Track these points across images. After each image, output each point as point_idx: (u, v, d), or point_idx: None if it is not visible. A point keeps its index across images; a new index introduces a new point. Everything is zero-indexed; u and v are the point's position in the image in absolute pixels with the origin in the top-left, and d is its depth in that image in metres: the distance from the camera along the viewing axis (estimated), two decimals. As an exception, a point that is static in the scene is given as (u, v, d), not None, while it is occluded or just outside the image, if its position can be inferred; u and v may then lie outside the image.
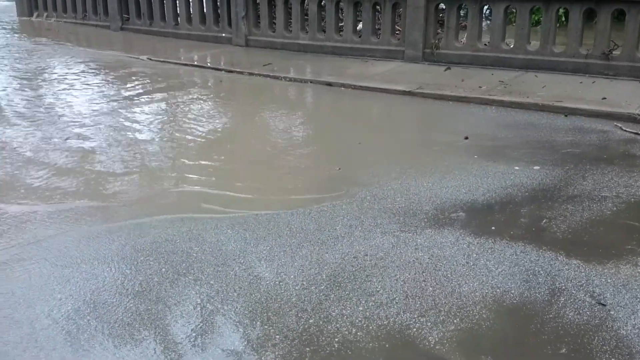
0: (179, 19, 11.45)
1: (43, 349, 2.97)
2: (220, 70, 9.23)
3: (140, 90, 8.08)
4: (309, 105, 8.01)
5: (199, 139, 6.16)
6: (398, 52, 9.26)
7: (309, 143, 6.23)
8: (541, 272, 3.60)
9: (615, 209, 4.44)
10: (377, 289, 3.44)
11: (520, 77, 8.17)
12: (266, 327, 3.13)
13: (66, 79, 8.63)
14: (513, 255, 3.79)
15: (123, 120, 6.80)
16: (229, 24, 10.77)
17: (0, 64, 9.63)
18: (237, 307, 3.29)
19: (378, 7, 9.47)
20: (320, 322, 3.15)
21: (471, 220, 4.31)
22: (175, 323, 3.16)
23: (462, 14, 9.42)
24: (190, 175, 5.21)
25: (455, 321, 3.15)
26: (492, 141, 5.96)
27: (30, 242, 3.97)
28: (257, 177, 5.18)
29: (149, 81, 8.54)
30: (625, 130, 6.19)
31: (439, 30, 9.20)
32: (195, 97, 7.94)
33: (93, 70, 9.14)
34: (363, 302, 3.32)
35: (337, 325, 3.13)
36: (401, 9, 9.40)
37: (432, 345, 2.98)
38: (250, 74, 8.91)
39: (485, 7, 9.05)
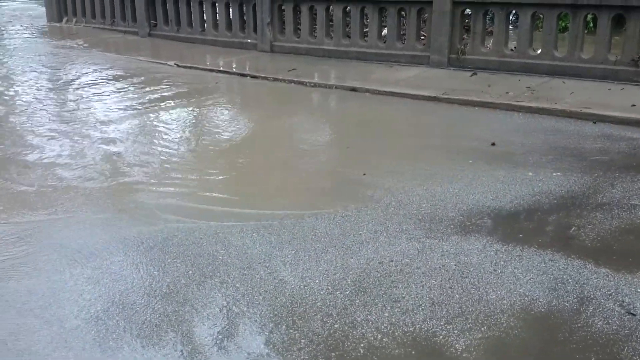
0: (205, 25, 11.58)
1: (72, 348, 3.02)
2: (246, 75, 9.31)
3: (167, 95, 8.19)
4: (333, 110, 8.03)
5: (223, 143, 6.21)
6: (423, 58, 9.23)
7: (334, 148, 6.25)
8: (570, 280, 3.55)
9: (645, 217, 4.37)
10: (403, 295, 3.42)
11: (547, 83, 8.08)
12: (291, 331, 3.14)
13: (93, 83, 8.78)
14: (541, 263, 3.75)
15: (149, 125, 6.89)
16: (255, 30, 10.86)
17: (27, 67, 9.83)
18: (262, 311, 3.31)
19: (403, 12, 9.46)
20: (346, 327, 3.15)
21: (498, 228, 4.27)
22: (202, 325, 3.19)
23: (488, 19, 9.36)
24: (214, 178, 5.26)
25: (482, 329, 3.13)
26: (519, 147, 5.91)
27: (62, 243, 4.04)
28: (281, 181, 5.20)
29: (175, 86, 8.65)
30: (656, 138, 6.08)
31: (464, 36, 9.15)
32: (220, 102, 8.01)
33: (120, 75, 9.29)
34: (389, 308, 3.31)
35: (363, 330, 3.13)
36: (426, 15, 9.38)
37: (459, 353, 2.95)
38: (275, 79, 8.96)
39: (512, 12, 8.98)
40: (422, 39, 9.59)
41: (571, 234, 4.14)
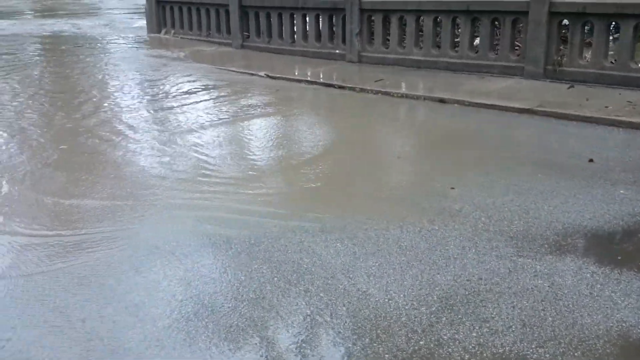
0: (295, 36, 11.80)
1: (164, 347, 3.14)
2: (333, 86, 9.39)
3: (256, 104, 8.40)
4: (420, 121, 7.94)
5: (308, 152, 6.28)
6: (517, 69, 8.95)
7: (421, 159, 6.16)
8: (676, 309, 3.31)
9: None
10: (492, 315, 3.31)
11: (651, 97, 7.60)
12: (375, 344, 3.11)
13: (186, 92, 9.14)
14: (643, 289, 3.51)
15: (238, 133, 7.09)
16: (343, 41, 10.94)
17: (126, 76, 10.39)
18: (346, 322, 3.30)
19: (497, 22, 9.22)
20: (431, 345, 3.08)
21: (595, 249, 4.05)
22: (286, 332, 3.23)
23: (586, 30, 8.95)
24: (299, 187, 5.32)
25: (576, 354, 2.97)
26: (620, 165, 5.58)
27: (156, 245, 4.22)
28: (366, 191, 5.19)
29: (264, 96, 8.86)
30: None
31: (561, 47, 8.79)
32: (306, 111, 8.12)
33: (213, 85, 9.63)
34: (477, 327, 3.21)
35: (449, 349, 3.05)
36: (521, 25, 9.09)
37: (550, 379, 2.82)
38: (362, 89, 8.97)
39: (612, 23, 8.53)
40: (516, 49, 9.30)
41: (678, 259, 3.86)
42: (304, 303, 3.48)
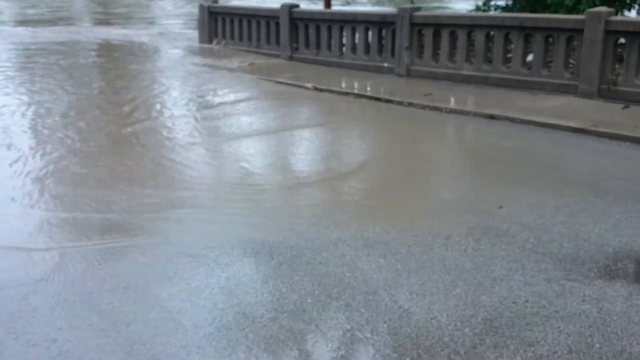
0: (343, 49, 11.84)
1: (205, 355, 3.16)
2: (380, 99, 9.35)
3: (301, 116, 8.45)
4: (469, 138, 7.82)
5: (351, 165, 6.25)
6: (570, 87, 8.73)
7: (468, 177, 6.06)
8: None
9: None
10: (538, 339, 3.21)
11: None
12: (416, 364, 3.05)
13: (233, 102, 9.24)
14: (700, 321, 3.35)
15: (282, 144, 7.14)
16: (392, 54, 10.91)
17: (175, 84, 10.63)
18: (386, 340, 3.26)
19: (550, 39, 9.03)
20: (474, 367, 3.01)
21: (649, 276, 3.89)
22: (326, 346, 3.21)
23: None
24: (342, 199, 5.30)
25: (626, 386, 2.85)
26: (678, 189, 5.36)
27: (200, 253, 4.27)
28: (411, 207, 5.13)
29: (310, 108, 8.91)
30: None
31: (616, 66, 8.54)
32: (352, 124, 8.12)
33: (260, 96, 9.73)
34: (522, 351, 3.12)
35: (492, 372, 2.97)
36: (576, 42, 8.88)
37: (599, 410, 2.71)
38: (410, 103, 8.91)
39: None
40: (570, 67, 9.08)
41: None
42: (344, 318, 3.46)
